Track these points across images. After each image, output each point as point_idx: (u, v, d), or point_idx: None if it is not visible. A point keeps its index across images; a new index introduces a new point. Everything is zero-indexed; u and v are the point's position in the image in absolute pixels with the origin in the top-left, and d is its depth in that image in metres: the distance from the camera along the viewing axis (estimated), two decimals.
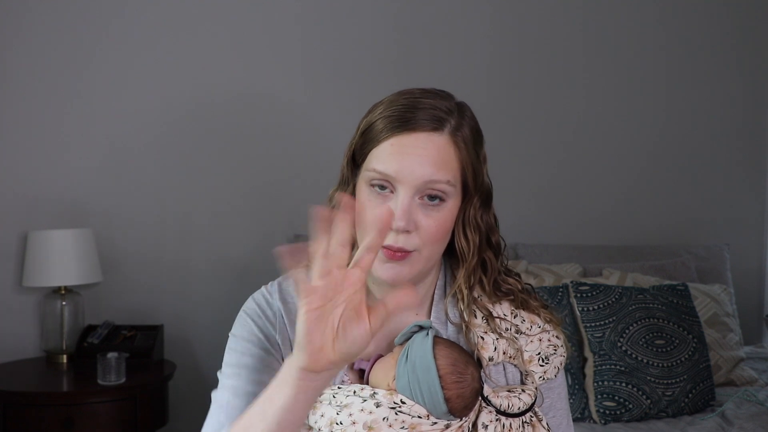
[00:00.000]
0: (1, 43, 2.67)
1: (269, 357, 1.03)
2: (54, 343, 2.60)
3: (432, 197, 0.98)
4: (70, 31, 2.71)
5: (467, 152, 1.01)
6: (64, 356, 2.59)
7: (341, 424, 0.96)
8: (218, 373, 1.07)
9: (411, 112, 0.99)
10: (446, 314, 1.08)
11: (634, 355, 2.17)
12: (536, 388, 1.05)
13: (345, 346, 0.78)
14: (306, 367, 0.79)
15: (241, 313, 1.08)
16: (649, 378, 2.15)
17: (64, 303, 2.59)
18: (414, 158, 0.97)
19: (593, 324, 2.23)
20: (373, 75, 2.90)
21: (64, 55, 2.71)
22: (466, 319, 1.06)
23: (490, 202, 1.07)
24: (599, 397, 2.15)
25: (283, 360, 1.02)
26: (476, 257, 1.05)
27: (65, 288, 2.59)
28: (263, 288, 1.09)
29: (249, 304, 1.08)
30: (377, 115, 1.01)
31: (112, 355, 2.34)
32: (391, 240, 0.97)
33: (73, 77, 2.72)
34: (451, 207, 1.00)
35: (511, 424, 1.00)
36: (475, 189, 1.03)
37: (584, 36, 3.12)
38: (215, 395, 1.03)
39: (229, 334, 1.07)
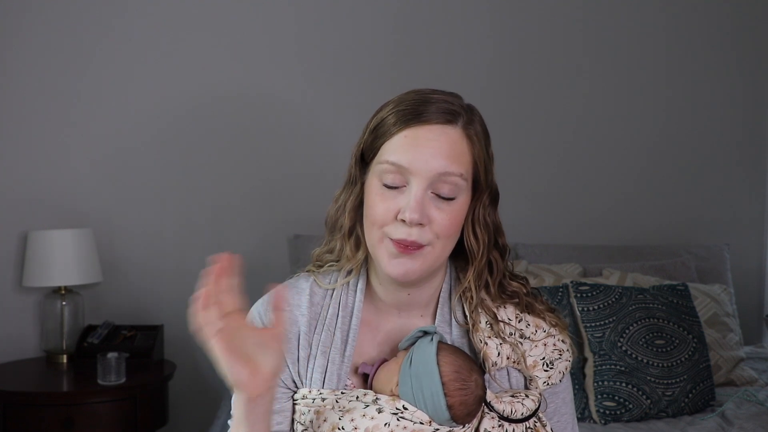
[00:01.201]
0: (1, 43, 2.67)
1: None
2: (54, 343, 2.60)
3: (444, 192, 0.98)
4: (70, 31, 2.71)
5: (480, 147, 1.01)
6: (64, 356, 2.59)
7: (343, 429, 0.96)
8: (233, 401, 1.08)
9: (423, 105, 0.99)
10: (451, 316, 1.07)
11: (634, 355, 2.17)
12: (540, 394, 1.04)
13: (268, 359, 0.86)
14: (250, 396, 0.86)
15: None
16: (649, 378, 2.15)
17: (64, 303, 2.59)
18: (428, 150, 0.97)
19: (593, 324, 2.23)
20: (373, 75, 2.90)
21: (64, 55, 2.71)
22: (471, 322, 1.05)
23: (497, 202, 1.07)
24: (599, 397, 2.15)
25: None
26: (485, 256, 1.05)
27: (65, 288, 2.59)
28: (261, 301, 1.10)
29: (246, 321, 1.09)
30: (388, 111, 1.01)
31: (112, 355, 2.34)
32: (403, 233, 0.97)
33: (73, 78, 2.72)
34: (462, 202, 1.00)
35: (514, 429, 0.99)
36: (486, 186, 1.03)
37: (584, 36, 3.12)
38: None
39: None
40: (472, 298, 1.05)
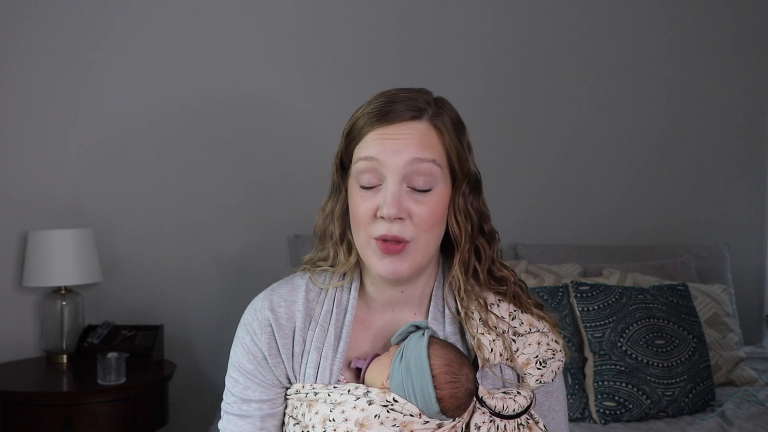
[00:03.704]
0: (2, 43, 2.67)
1: (264, 369, 1.06)
2: (54, 343, 2.60)
3: (419, 184, 0.99)
4: (71, 31, 2.71)
5: (449, 137, 1.03)
6: (64, 356, 2.59)
7: (334, 420, 0.97)
8: (223, 403, 1.09)
9: (389, 105, 1.01)
10: (444, 312, 1.08)
11: (634, 355, 2.17)
12: (532, 391, 1.04)
13: None
14: None
15: (237, 332, 1.10)
16: (649, 378, 2.15)
17: (64, 303, 2.59)
18: (397, 143, 0.99)
19: (593, 324, 2.23)
20: (371, 75, 2.90)
21: (64, 55, 2.71)
22: (462, 314, 1.06)
23: (479, 189, 1.08)
24: (599, 397, 2.15)
25: (272, 369, 1.05)
26: (469, 243, 1.06)
27: (65, 288, 2.59)
28: (257, 297, 1.10)
29: (242, 319, 1.10)
30: (358, 115, 1.04)
31: (112, 355, 2.34)
32: (384, 229, 0.98)
33: (73, 78, 2.72)
34: (441, 191, 1.01)
35: (505, 425, 1.00)
36: (463, 174, 1.04)
37: (584, 36, 3.12)
38: (222, 427, 1.08)
39: (229, 358, 1.09)
40: (460, 285, 1.06)
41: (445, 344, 1.01)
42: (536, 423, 1.03)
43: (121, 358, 2.35)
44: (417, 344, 0.98)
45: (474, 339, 1.04)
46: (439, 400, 0.96)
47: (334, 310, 1.06)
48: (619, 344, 2.18)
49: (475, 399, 1.00)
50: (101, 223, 2.74)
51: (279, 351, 1.04)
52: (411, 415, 0.96)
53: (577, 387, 2.19)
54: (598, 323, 2.23)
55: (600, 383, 2.16)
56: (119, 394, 2.33)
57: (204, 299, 2.83)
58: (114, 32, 2.75)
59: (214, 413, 2.38)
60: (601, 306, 2.25)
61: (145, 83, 2.78)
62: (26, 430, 2.28)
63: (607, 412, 2.13)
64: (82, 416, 2.28)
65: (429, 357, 0.97)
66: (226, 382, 1.09)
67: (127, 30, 2.76)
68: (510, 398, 1.01)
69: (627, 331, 2.20)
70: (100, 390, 2.32)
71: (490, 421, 0.99)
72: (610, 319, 2.22)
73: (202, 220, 2.84)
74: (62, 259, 2.53)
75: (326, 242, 1.10)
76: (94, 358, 2.43)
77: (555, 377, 1.09)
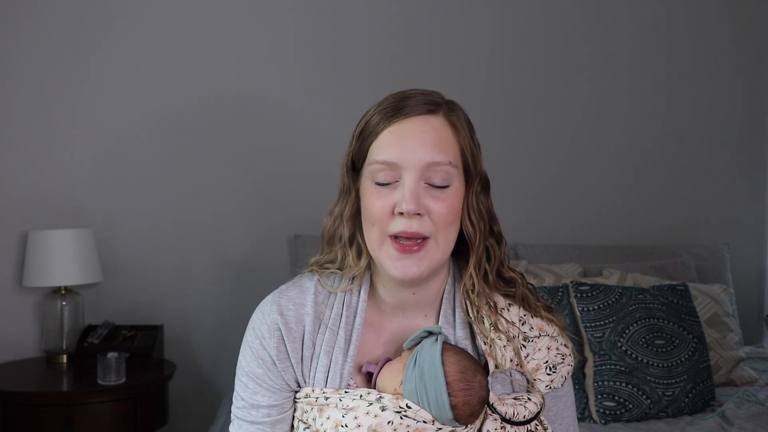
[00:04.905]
0: (2, 43, 2.67)
1: (273, 373, 1.05)
2: (54, 343, 2.60)
3: (437, 181, 0.99)
4: (71, 32, 2.71)
5: (465, 133, 1.02)
6: (64, 356, 2.59)
7: (346, 426, 0.96)
8: (233, 407, 1.09)
9: (404, 101, 1.01)
10: (455, 316, 1.07)
11: (634, 355, 2.17)
12: (542, 396, 1.04)
13: None
14: None
15: (245, 336, 1.09)
16: (649, 378, 2.15)
17: (64, 303, 2.59)
18: (413, 141, 0.98)
19: (593, 324, 2.23)
20: (372, 76, 2.90)
21: (64, 56, 2.71)
22: (473, 316, 1.05)
23: (488, 190, 1.08)
24: (599, 397, 2.15)
25: (281, 373, 1.04)
26: (482, 243, 1.05)
27: (65, 288, 2.59)
28: (265, 301, 1.09)
29: (251, 323, 1.08)
30: (370, 114, 1.03)
31: (112, 355, 2.34)
32: (403, 226, 0.97)
33: (73, 78, 2.72)
34: (456, 189, 1.01)
35: (516, 431, 1.00)
36: (476, 173, 1.04)
37: (584, 37, 3.12)
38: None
39: (238, 362, 1.09)
40: (474, 285, 1.05)
41: (459, 351, 1.01)
42: (545, 429, 1.03)
43: (121, 358, 2.35)
44: (431, 350, 0.98)
45: (485, 344, 1.03)
46: (452, 407, 0.95)
47: (344, 313, 1.05)
48: (619, 344, 2.18)
49: (486, 406, 1.00)
50: (101, 223, 2.74)
51: (288, 355, 1.03)
52: (424, 422, 0.96)
53: (577, 387, 2.19)
54: (598, 323, 2.23)
55: (600, 383, 2.16)
56: (119, 394, 2.33)
57: (204, 299, 2.83)
58: (114, 33, 2.75)
59: (214, 413, 2.38)
60: (601, 306, 2.25)
61: (145, 83, 2.77)
62: (26, 430, 2.28)
63: (607, 412, 2.13)
64: (82, 416, 2.28)
65: (443, 364, 0.97)
66: (236, 386, 1.08)
67: (127, 30, 2.76)
68: (521, 404, 1.01)
69: (627, 331, 2.20)
70: (100, 390, 2.32)
71: (501, 428, 0.99)
72: (610, 319, 2.22)
73: (202, 220, 2.83)
74: (62, 259, 2.53)
75: (334, 245, 1.09)
76: (94, 358, 2.43)
77: (564, 382, 1.08)
